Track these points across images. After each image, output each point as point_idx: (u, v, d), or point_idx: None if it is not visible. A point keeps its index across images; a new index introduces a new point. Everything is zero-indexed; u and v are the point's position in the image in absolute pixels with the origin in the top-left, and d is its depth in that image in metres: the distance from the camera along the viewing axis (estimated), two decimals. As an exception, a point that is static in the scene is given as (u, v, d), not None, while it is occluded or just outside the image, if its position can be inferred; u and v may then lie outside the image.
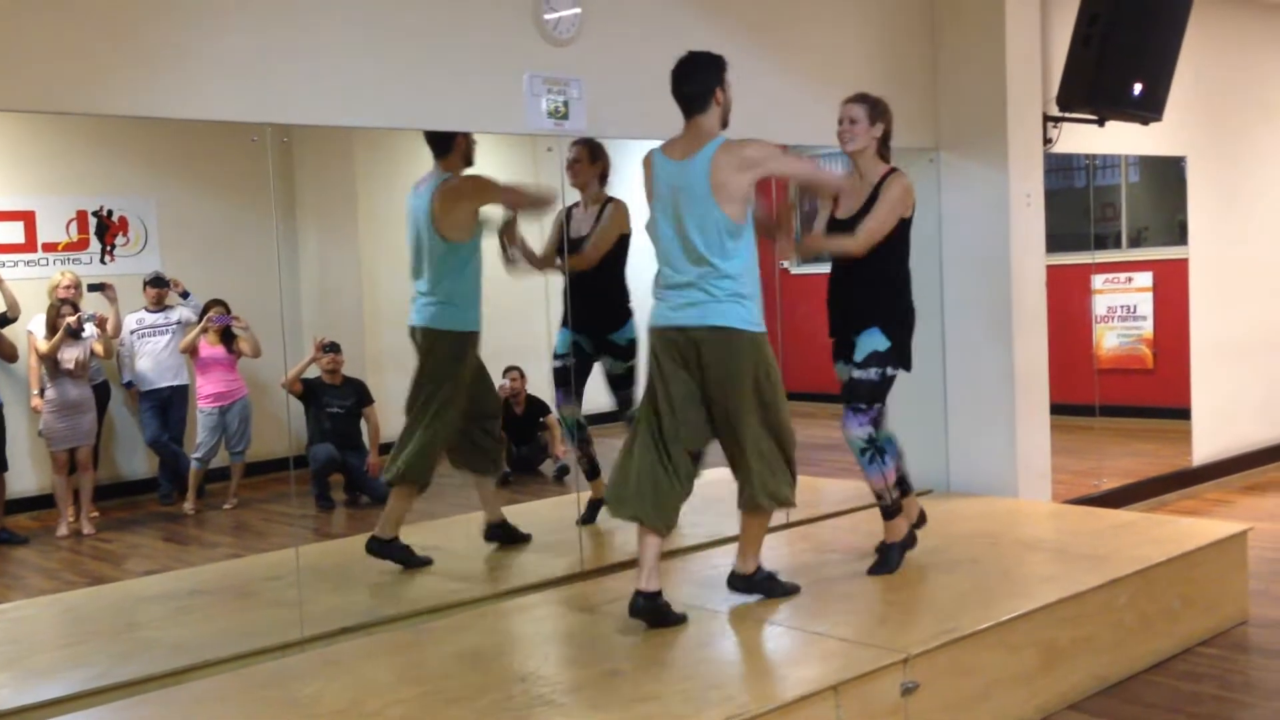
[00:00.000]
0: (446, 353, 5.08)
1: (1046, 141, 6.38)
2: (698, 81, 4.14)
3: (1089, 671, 4.34)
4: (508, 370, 7.67)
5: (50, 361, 7.02)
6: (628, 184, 7.26)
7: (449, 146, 5.09)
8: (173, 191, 7.86)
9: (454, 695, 3.53)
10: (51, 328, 7.04)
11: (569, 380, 5.71)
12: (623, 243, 5.64)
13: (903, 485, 4.82)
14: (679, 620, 4.11)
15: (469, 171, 5.19)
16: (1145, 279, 8.66)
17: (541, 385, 6.95)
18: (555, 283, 5.84)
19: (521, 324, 6.83)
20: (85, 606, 5.01)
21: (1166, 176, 8.64)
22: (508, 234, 5.32)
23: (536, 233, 5.72)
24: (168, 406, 7.72)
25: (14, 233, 7.45)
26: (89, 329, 7.12)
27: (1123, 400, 8.26)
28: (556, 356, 5.80)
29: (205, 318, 7.59)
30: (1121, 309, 8.73)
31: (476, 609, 4.52)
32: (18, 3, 3.55)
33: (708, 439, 4.22)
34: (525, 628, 4.42)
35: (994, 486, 6.18)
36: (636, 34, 5.01)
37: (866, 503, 5.47)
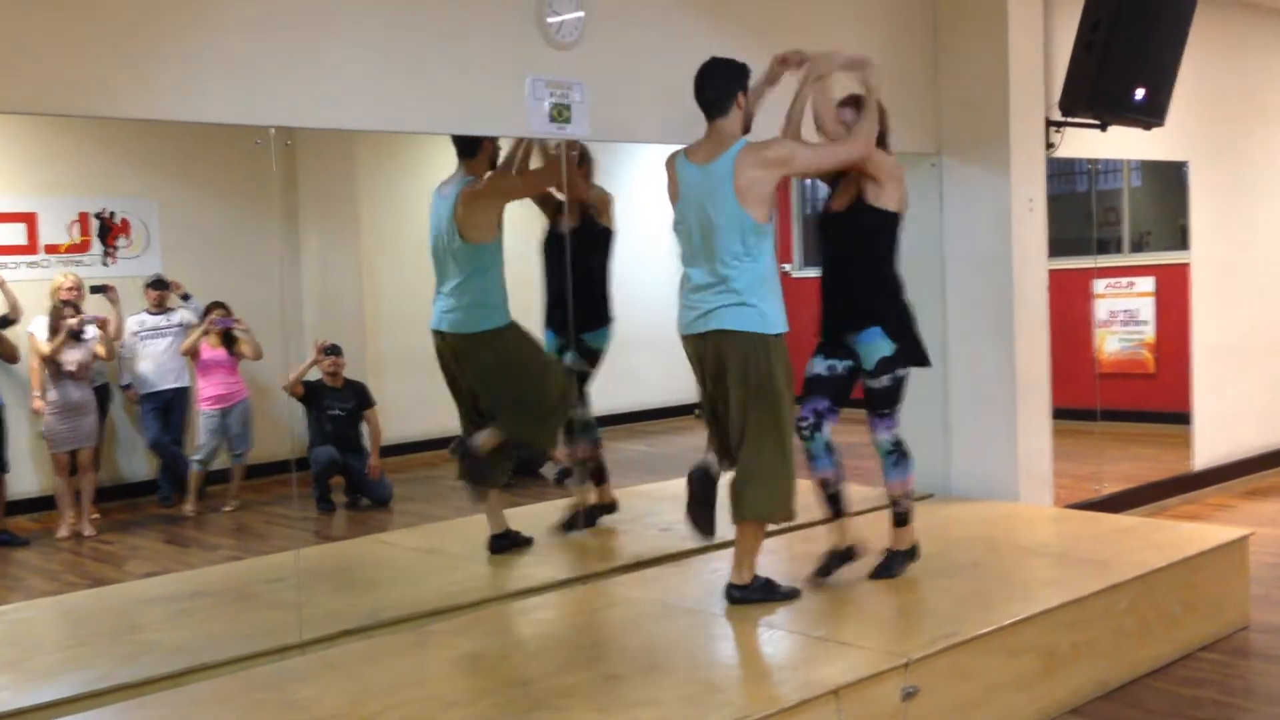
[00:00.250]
0: (487, 349, 5.08)
1: (1049, 146, 6.38)
2: (719, 87, 4.23)
3: (1090, 676, 4.33)
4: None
5: (52, 363, 7.02)
6: (629, 185, 7.29)
7: (476, 149, 5.11)
8: (175, 194, 7.87)
9: (454, 699, 3.53)
10: (53, 329, 7.04)
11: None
12: (606, 239, 5.63)
13: (836, 504, 4.60)
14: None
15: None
16: (1147, 284, 8.66)
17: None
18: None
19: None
20: (86, 608, 5.01)
21: (1168, 181, 8.63)
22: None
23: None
24: (169, 409, 7.73)
25: (16, 234, 7.46)
26: (91, 331, 7.12)
27: (1124, 405, 8.26)
28: None
29: (206, 320, 7.60)
30: (1123, 313, 8.74)
31: (477, 612, 4.52)
32: (20, 4, 3.55)
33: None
34: (525, 631, 4.41)
35: (995, 491, 6.18)
36: (639, 37, 5.02)
37: (868, 506, 5.47)
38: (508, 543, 5.36)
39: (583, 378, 5.65)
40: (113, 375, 7.70)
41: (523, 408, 5.14)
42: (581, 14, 4.79)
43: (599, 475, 5.83)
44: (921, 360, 4.64)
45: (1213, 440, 7.74)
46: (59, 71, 3.63)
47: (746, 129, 4.29)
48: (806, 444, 4.53)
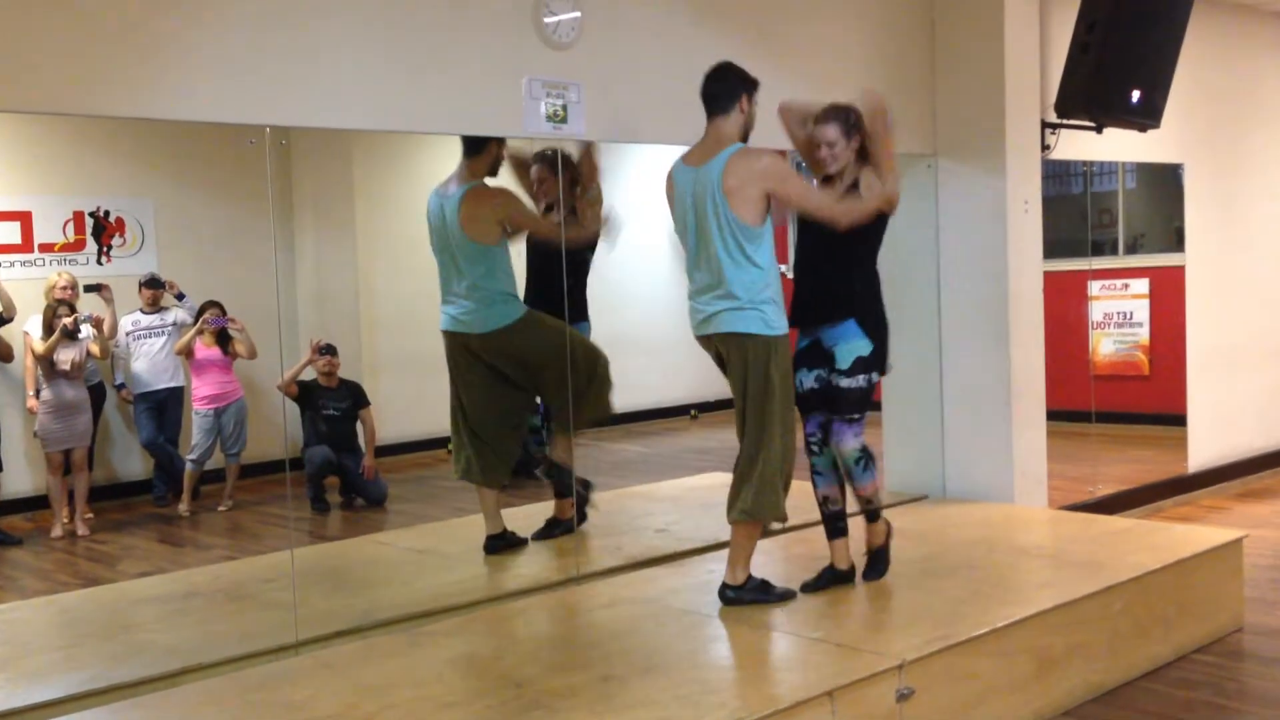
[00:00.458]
0: (516, 341, 5.10)
1: (1044, 148, 6.38)
2: (727, 85, 4.25)
3: (1084, 678, 4.34)
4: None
5: (46, 362, 7.01)
6: (624, 186, 7.29)
7: (481, 150, 5.10)
8: (170, 193, 7.86)
9: (448, 700, 3.52)
10: (48, 328, 7.03)
11: None
12: (592, 239, 5.61)
13: (836, 522, 4.56)
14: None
15: (494, 182, 5.19)
16: (1142, 285, 8.68)
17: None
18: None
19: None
20: (79, 608, 4.99)
21: (1164, 183, 8.65)
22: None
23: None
24: (163, 408, 7.72)
25: (10, 233, 7.45)
26: (85, 330, 7.11)
27: (1119, 406, 8.27)
28: None
29: (201, 319, 7.59)
30: (1118, 315, 8.75)
31: (472, 613, 4.51)
32: (16, 3, 3.54)
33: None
34: (521, 632, 4.41)
35: (990, 492, 6.18)
36: (636, 38, 5.01)
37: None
38: (503, 543, 5.35)
39: None
40: (107, 374, 7.69)
41: (569, 384, 5.19)
42: (578, 14, 4.78)
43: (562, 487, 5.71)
44: (883, 368, 4.54)
45: (1207, 442, 7.75)
46: (55, 70, 3.62)
47: (744, 137, 4.28)
48: (813, 459, 4.55)
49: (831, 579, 4.53)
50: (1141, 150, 7.18)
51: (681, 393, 10.28)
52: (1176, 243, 7.97)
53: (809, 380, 4.49)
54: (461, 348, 5.18)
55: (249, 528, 7.26)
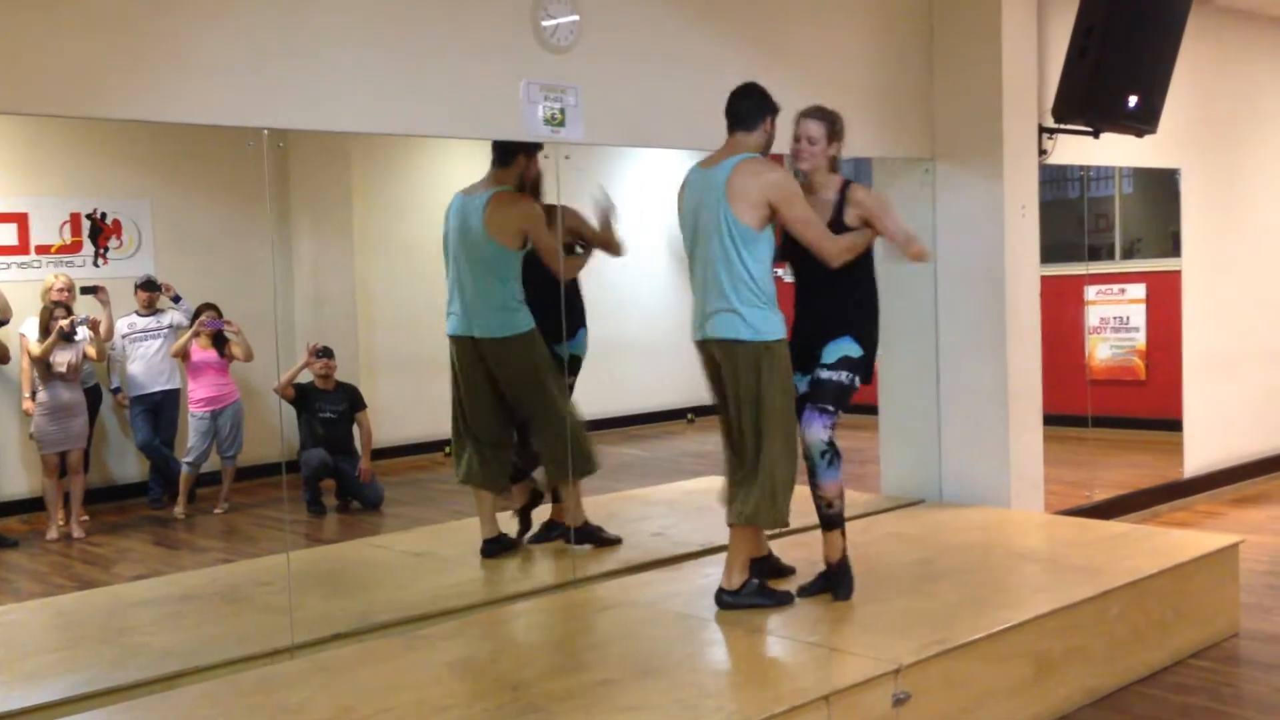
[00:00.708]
0: (521, 353, 5.10)
1: (1041, 153, 6.39)
2: (754, 105, 4.29)
3: (1080, 683, 4.34)
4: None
5: (42, 364, 7.00)
6: (623, 191, 7.29)
7: (510, 160, 5.10)
8: (167, 195, 7.86)
9: (444, 703, 3.52)
10: (44, 330, 7.02)
11: None
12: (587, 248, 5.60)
13: (834, 524, 4.50)
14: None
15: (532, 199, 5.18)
16: (1138, 290, 8.68)
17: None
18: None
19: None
20: (74, 611, 4.98)
21: (1160, 188, 8.66)
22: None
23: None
24: (159, 410, 7.72)
25: (7, 235, 7.45)
26: (82, 332, 7.10)
27: (1115, 411, 8.27)
28: None
29: (197, 322, 7.58)
30: (1114, 320, 8.75)
31: (468, 616, 4.51)
32: (13, 5, 3.54)
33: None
34: (517, 635, 4.41)
35: (986, 497, 6.18)
36: (634, 42, 5.02)
37: (860, 512, 5.49)
38: (500, 547, 5.35)
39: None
40: (103, 377, 7.69)
41: (557, 419, 5.17)
42: (576, 18, 4.79)
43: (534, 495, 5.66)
44: (866, 377, 4.51)
45: (1204, 447, 7.76)
46: (52, 72, 3.62)
47: (763, 153, 4.32)
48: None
49: (827, 583, 4.52)
50: (1138, 155, 7.19)
51: (678, 396, 10.27)
52: (1173, 248, 7.98)
53: (803, 385, 4.49)
54: (468, 352, 5.18)
55: (245, 530, 7.25)
